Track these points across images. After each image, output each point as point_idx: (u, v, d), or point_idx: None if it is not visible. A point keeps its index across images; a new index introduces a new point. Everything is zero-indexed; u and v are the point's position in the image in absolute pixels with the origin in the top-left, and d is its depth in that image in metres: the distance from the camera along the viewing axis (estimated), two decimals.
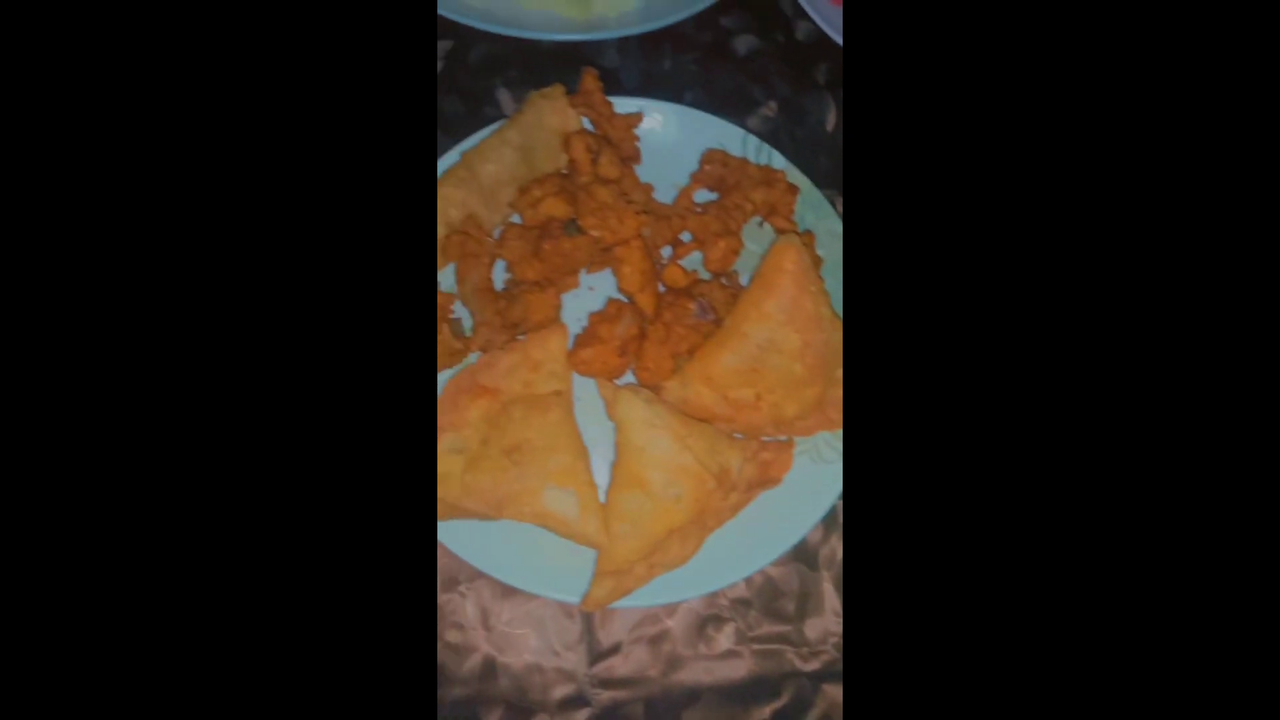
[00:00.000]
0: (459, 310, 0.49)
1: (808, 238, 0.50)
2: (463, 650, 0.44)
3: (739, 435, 0.47)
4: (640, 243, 0.47)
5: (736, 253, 0.51)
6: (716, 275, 0.51)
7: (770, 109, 0.59)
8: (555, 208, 0.48)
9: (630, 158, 0.51)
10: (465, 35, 0.57)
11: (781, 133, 0.58)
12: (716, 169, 0.52)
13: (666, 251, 0.52)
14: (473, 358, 0.47)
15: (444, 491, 0.42)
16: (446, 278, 0.50)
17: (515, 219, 0.50)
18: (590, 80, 0.50)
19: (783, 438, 0.46)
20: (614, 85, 0.58)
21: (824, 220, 0.53)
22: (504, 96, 0.57)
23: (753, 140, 0.54)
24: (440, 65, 0.58)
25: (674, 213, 0.52)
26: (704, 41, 0.60)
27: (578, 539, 0.42)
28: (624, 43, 0.59)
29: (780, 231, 0.52)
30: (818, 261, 0.48)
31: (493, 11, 0.56)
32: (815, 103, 0.59)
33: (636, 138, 0.51)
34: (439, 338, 0.46)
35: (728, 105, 0.58)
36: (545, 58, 0.57)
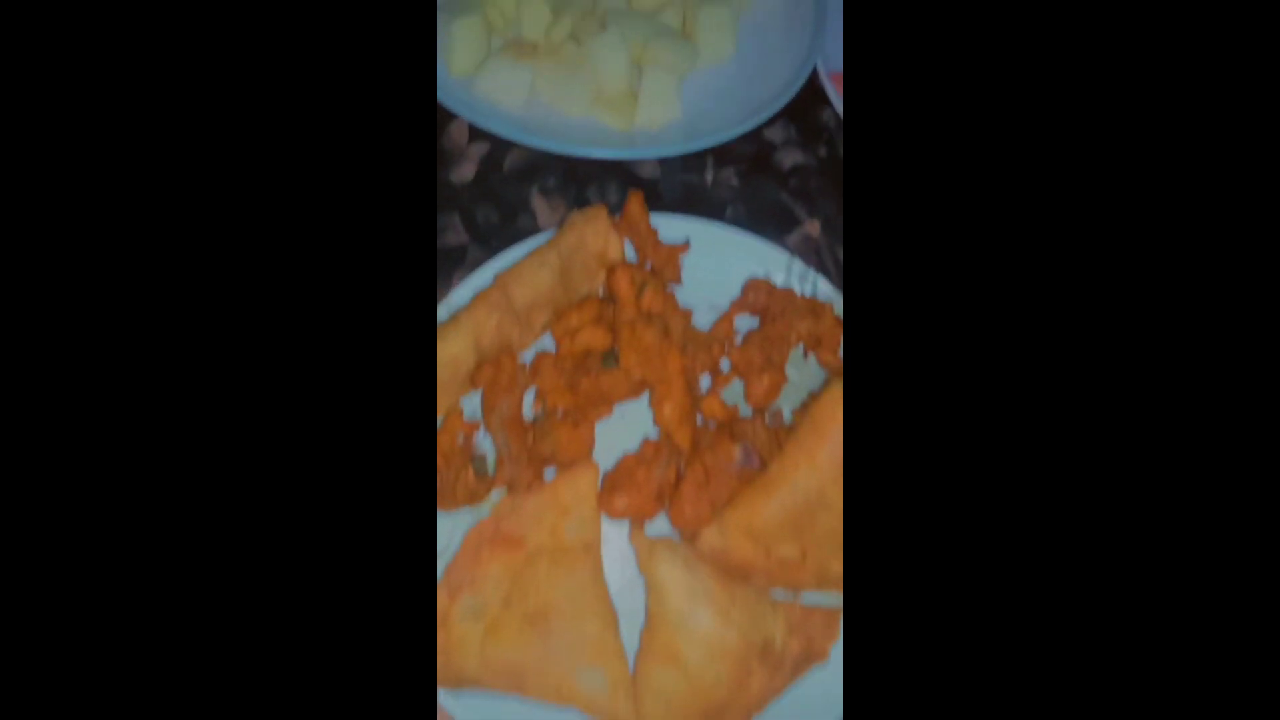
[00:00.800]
0: (482, 442, 0.46)
1: None
2: None
3: (780, 592, 0.44)
4: (682, 381, 0.44)
5: (780, 388, 0.48)
6: (758, 410, 0.48)
7: (813, 227, 0.57)
8: (594, 338, 0.45)
9: (671, 280, 0.49)
10: (500, 140, 0.55)
11: (824, 252, 0.57)
12: (760, 297, 0.50)
13: (702, 378, 0.50)
14: (494, 495, 0.44)
15: (460, 663, 0.38)
16: (471, 402, 0.47)
17: (548, 340, 0.48)
18: (635, 204, 0.48)
19: (827, 596, 0.43)
20: (653, 197, 0.57)
21: None
22: (540, 206, 0.55)
23: (798, 265, 0.52)
24: (474, 170, 0.56)
25: (714, 340, 0.50)
26: (747, 154, 0.59)
27: (604, 718, 0.38)
28: (667, 160, 0.57)
29: (825, 366, 0.50)
30: None
31: (531, 119, 0.55)
32: None
33: (679, 262, 0.49)
34: (461, 476, 0.43)
35: (770, 222, 0.56)
36: (584, 165, 0.56)
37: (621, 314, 0.44)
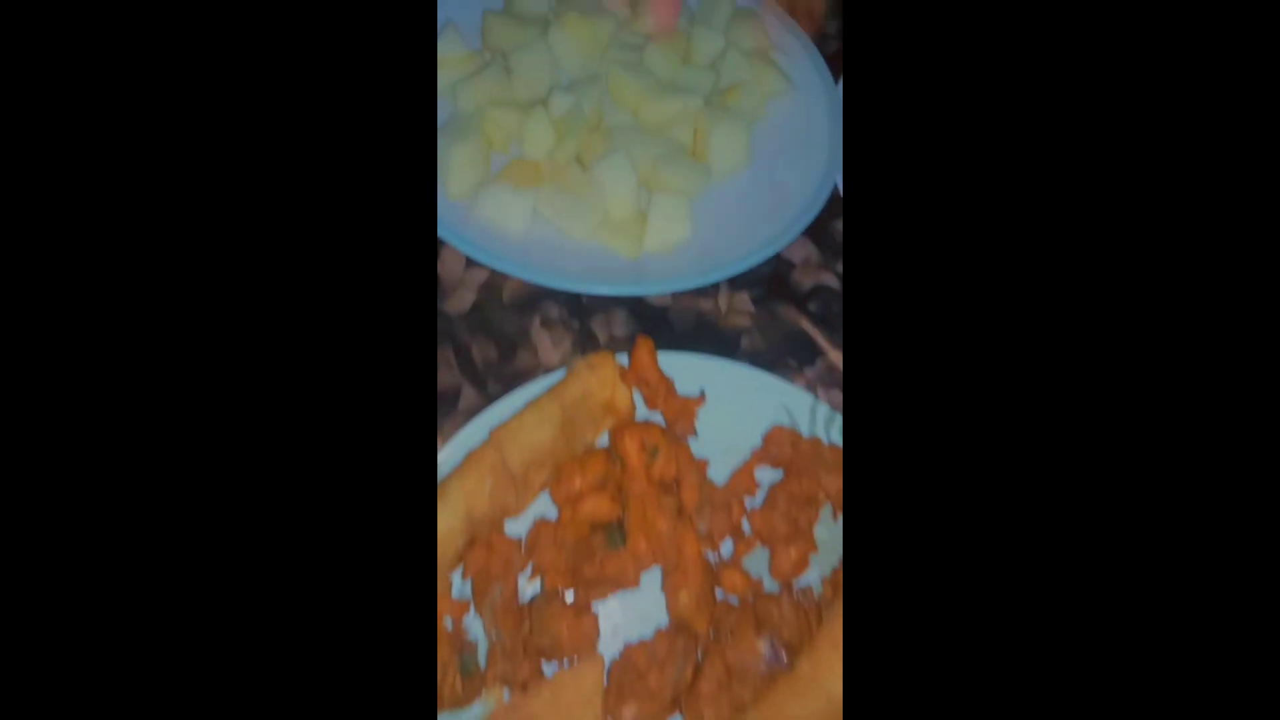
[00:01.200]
0: (472, 626, 0.41)
1: None
2: None
3: None
4: (701, 565, 0.40)
5: (808, 559, 0.43)
6: (785, 585, 0.43)
7: (838, 357, 0.53)
8: (599, 509, 0.41)
9: (685, 434, 0.45)
10: (500, 276, 0.51)
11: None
12: (783, 449, 0.46)
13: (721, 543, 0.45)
14: (479, 705, 0.39)
15: None
16: (459, 578, 0.42)
17: (546, 501, 0.43)
18: (644, 352, 0.44)
19: None
20: (663, 327, 0.52)
21: None
22: (542, 340, 0.51)
23: (823, 409, 0.48)
24: (471, 299, 0.53)
25: (733, 497, 0.45)
26: (763, 275, 0.55)
27: None
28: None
29: None
30: None
31: (533, 246, 0.51)
32: None
33: (695, 415, 0.45)
34: (446, 674, 0.38)
35: (789, 352, 0.52)
36: (578, 300, 0.52)
37: (631, 485, 0.40)
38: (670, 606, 0.39)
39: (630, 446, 0.40)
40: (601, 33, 0.59)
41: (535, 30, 0.58)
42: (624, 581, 0.39)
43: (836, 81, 0.61)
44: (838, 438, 0.47)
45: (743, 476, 0.45)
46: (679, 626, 0.39)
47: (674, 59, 0.58)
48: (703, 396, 0.44)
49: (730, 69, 0.58)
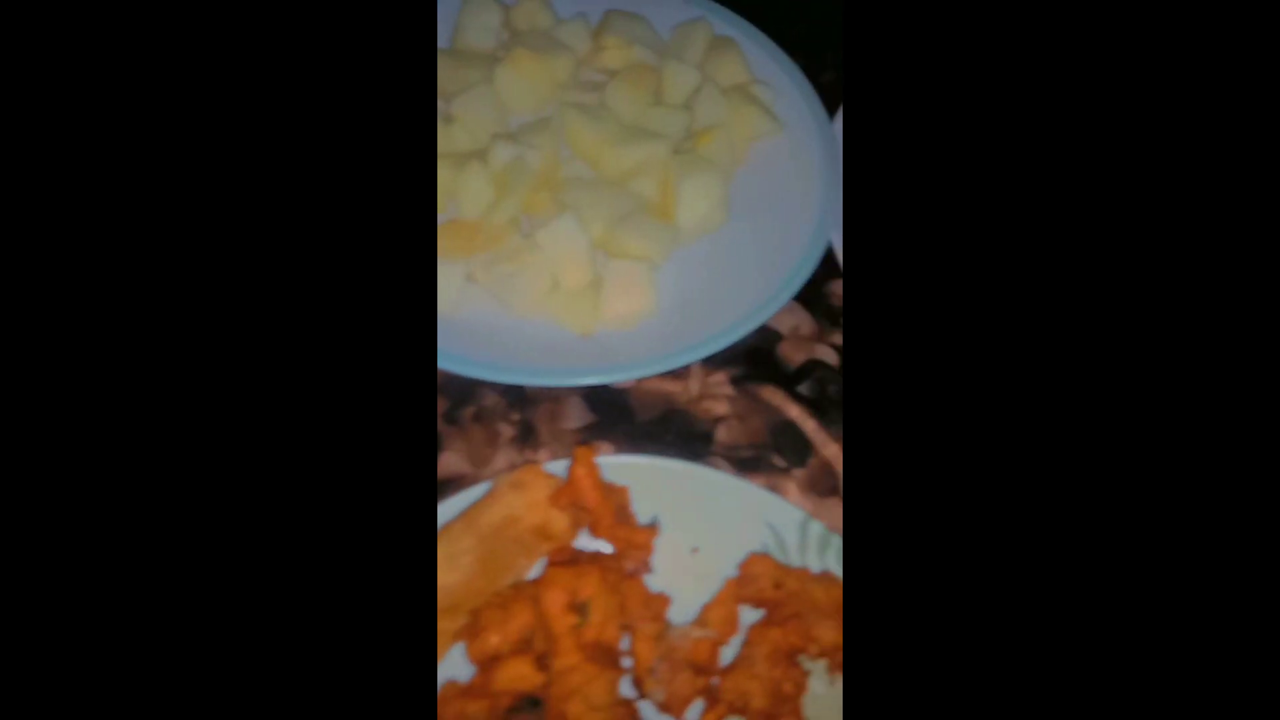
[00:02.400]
0: None
1: None
2: None
3: None
4: None
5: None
6: None
7: (833, 454, 0.44)
8: (518, 676, 0.32)
9: (638, 569, 0.36)
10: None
11: None
12: (764, 585, 0.37)
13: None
14: None
15: None
16: None
17: (459, 659, 0.35)
18: (583, 468, 0.34)
19: None
20: (621, 419, 0.43)
21: None
22: (475, 440, 0.43)
23: (816, 528, 0.39)
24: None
25: (699, 650, 0.36)
26: (743, 349, 0.46)
27: None
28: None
29: None
30: None
31: (464, 325, 0.42)
32: None
33: (650, 543, 0.36)
34: None
35: (773, 447, 0.43)
36: (520, 391, 0.42)
37: (555, 657, 0.31)
38: None
39: (552, 604, 0.30)
40: (558, 71, 0.51)
41: (479, 70, 0.51)
42: None
43: (832, 118, 0.53)
44: (836, 566, 0.37)
45: (714, 619, 0.36)
46: None
47: (642, 99, 0.51)
48: (656, 528, 0.35)
49: (705, 109, 0.50)
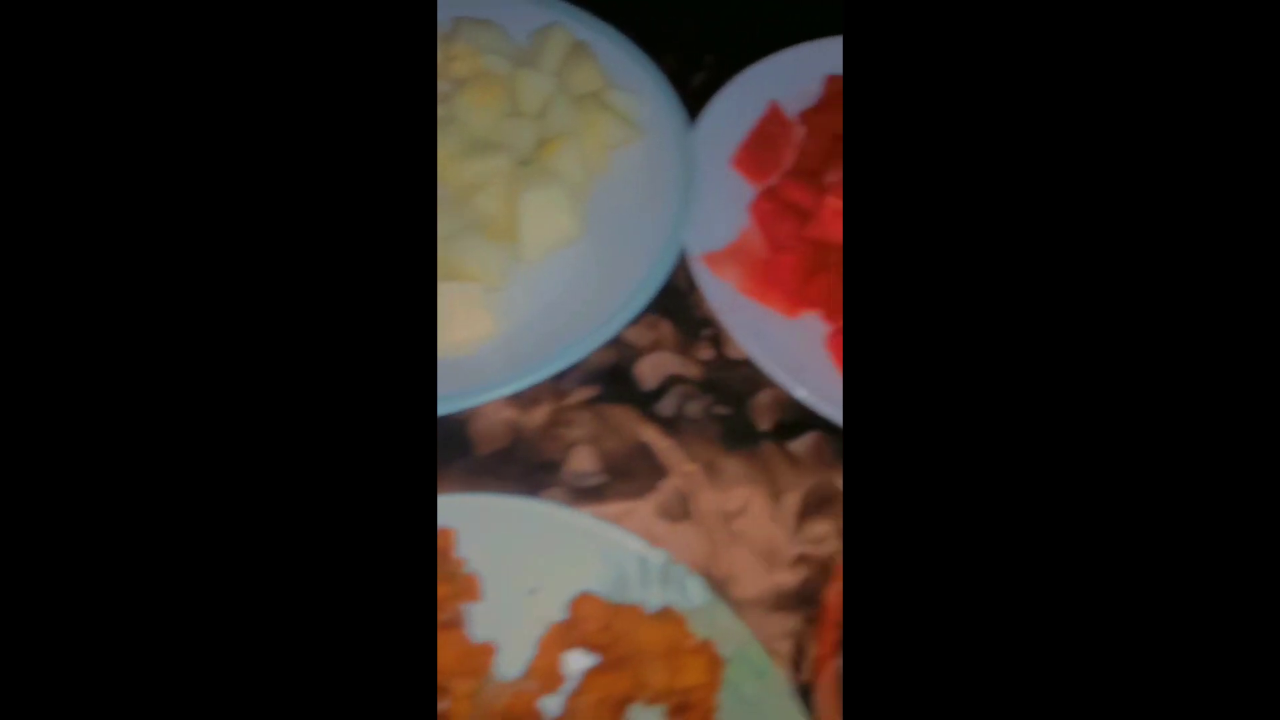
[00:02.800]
0: None
1: None
2: None
3: None
4: None
5: None
6: None
7: (682, 474, 0.42)
8: None
9: (455, 622, 0.33)
10: None
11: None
12: (592, 631, 0.34)
13: None
14: None
15: None
16: None
17: None
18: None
19: None
20: (459, 451, 0.40)
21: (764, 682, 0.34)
22: None
23: (657, 560, 0.36)
24: None
25: (516, 710, 0.33)
26: (600, 368, 0.43)
27: None
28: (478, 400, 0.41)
29: None
30: None
31: None
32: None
33: (477, 591, 0.33)
34: None
35: (626, 474, 0.40)
36: None
37: None
38: None
39: None
40: None
41: None
42: None
43: (697, 121, 0.51)
44: (680, 599, 0.35)
45: (537, 670, 0.33)
46: None
47: (492, 109, 0.49)
48: (475, 579, 0.32)
49: (556, 118, 0.48)
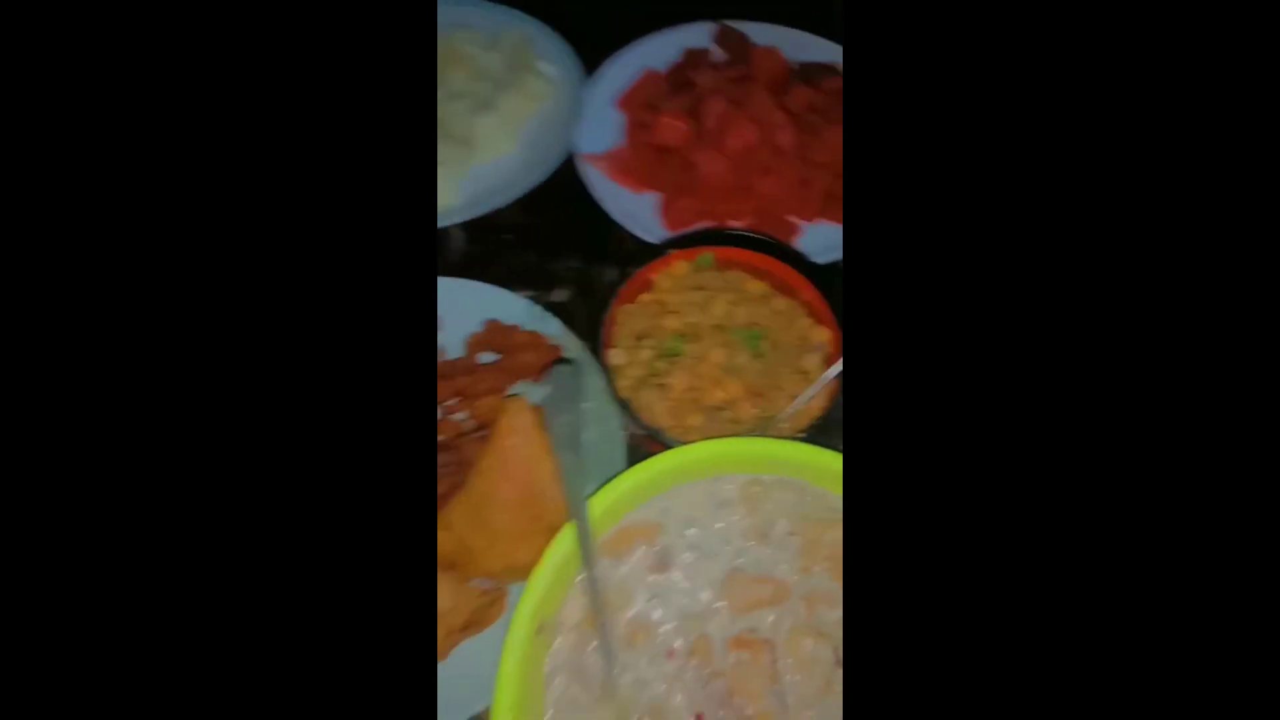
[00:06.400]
0: None
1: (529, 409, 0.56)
2: None
3: (480, 580, 0.50)
4: None
5: (494, 409, 0.57)
6: (479, 428, 0.57)
7: (568, 287, 0.68)
8: None
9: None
10: None
11: (574, 303, 0.67)
12: (492, 334, 0.61)
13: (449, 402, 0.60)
14: None
15: None
16: None
17: None
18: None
19: (492, 581, 0.49)
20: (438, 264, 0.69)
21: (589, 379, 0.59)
22: None
23: (536, 309, 0.63)
24: None
25: (454, 370, 0.60)
26: (520, 224, 0.72)
27: None
28: (449, 232, 0.71)
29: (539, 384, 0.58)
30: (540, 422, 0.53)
31: None
32: (601, 275, 0.69)
33: None
34: None
35: (529, 277, 0.68)
36: None
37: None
38: None
39: None
40: None
41: None
42: None
43: (589, 76, 0.78)
44: (536, 325, 0.61)
45: (467, 358, 0.60)
46: None
47: (463, 73, 0.77)
48: None
49: (503, 77, 0.77)
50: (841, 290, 0.51)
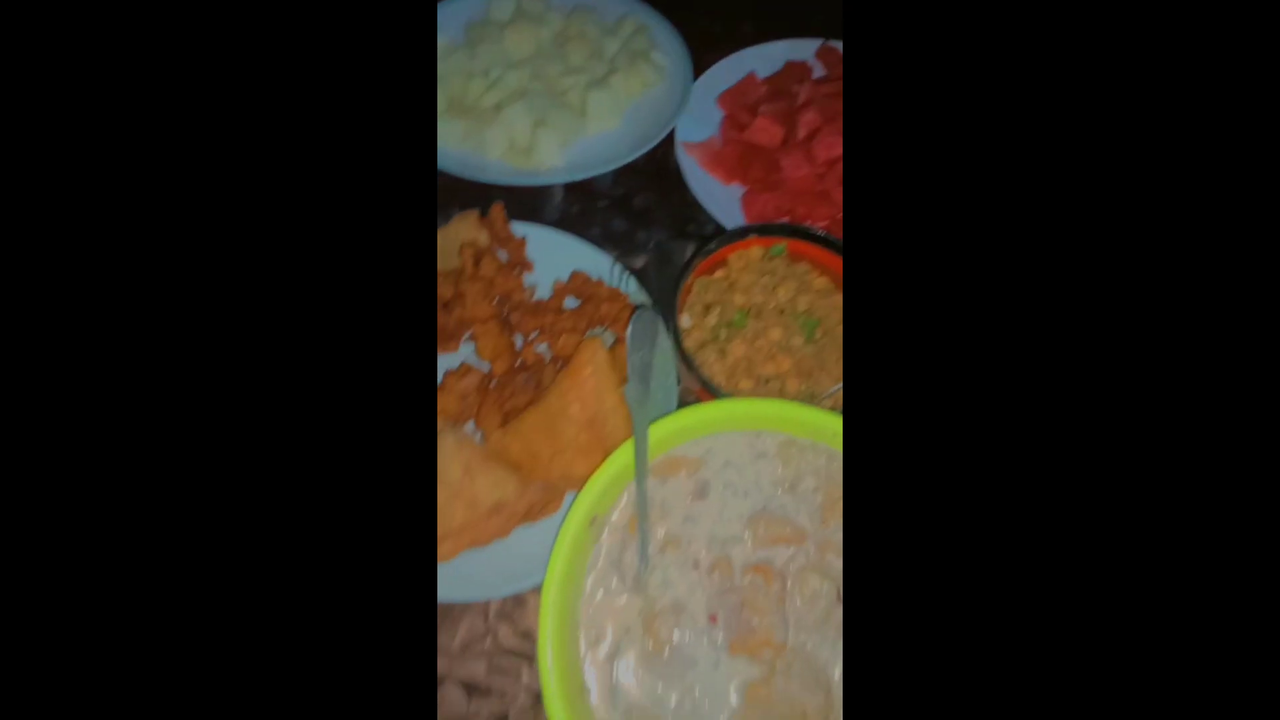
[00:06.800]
0: None
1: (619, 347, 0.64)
2: None
3: (539, 487, 0.58)
4: (494, 325, 0.63)
5: (574, 346, 0.65)
6: (556, 359, 0.65)
7: (649, 250, 0.75)
8: (441, 291, 0.65)
9: (520, 265, 0.68)
10: (439, 173, 0.79)
11: (652, 271, 0.74)
12: (578, 284, 0.68)
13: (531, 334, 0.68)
14: None
15: None
16: None
17: None
18: (496, 210, 0.68)
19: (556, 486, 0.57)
20: (537, 215, 0.78)
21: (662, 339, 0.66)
22: (454, 214, 0.78)
23: (619, 269, 0.70)
24: None
25: (541, 309, 0.68)
26: (613, 194, 0.79)
27: None
28: (551, 189, 0.79)
29: (613, 332, 0.66)
30: (621, 362, 0.61)
31: (464, 159, 0.78)
32: (681, 250, 0.75)
33: (524, 252, 0.68)
34: None
35: (617, 241, 0.76)
36: (491, 191, 0.78)
37: (462, 276, 0.64)
38: (477, 350, 0.62)
39: (466, 253, 0.64)
40: (542, 34, 0.87)
41: (496, 29, 0.87)
42: (450, 332, 0.63)
43: (696, 78, 0.85)
44: (620, 285, 0.68)
45: (553, 300, 0.68)
46: (485, 364, 0.62)
47: (585, 52, 0.85)
48: (524, 239, 0.68)
49: (619, 60, 0.84)
50: None
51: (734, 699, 0.46)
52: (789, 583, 0.49)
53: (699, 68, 0.87)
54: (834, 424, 0.52)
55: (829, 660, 0.47)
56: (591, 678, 0.47)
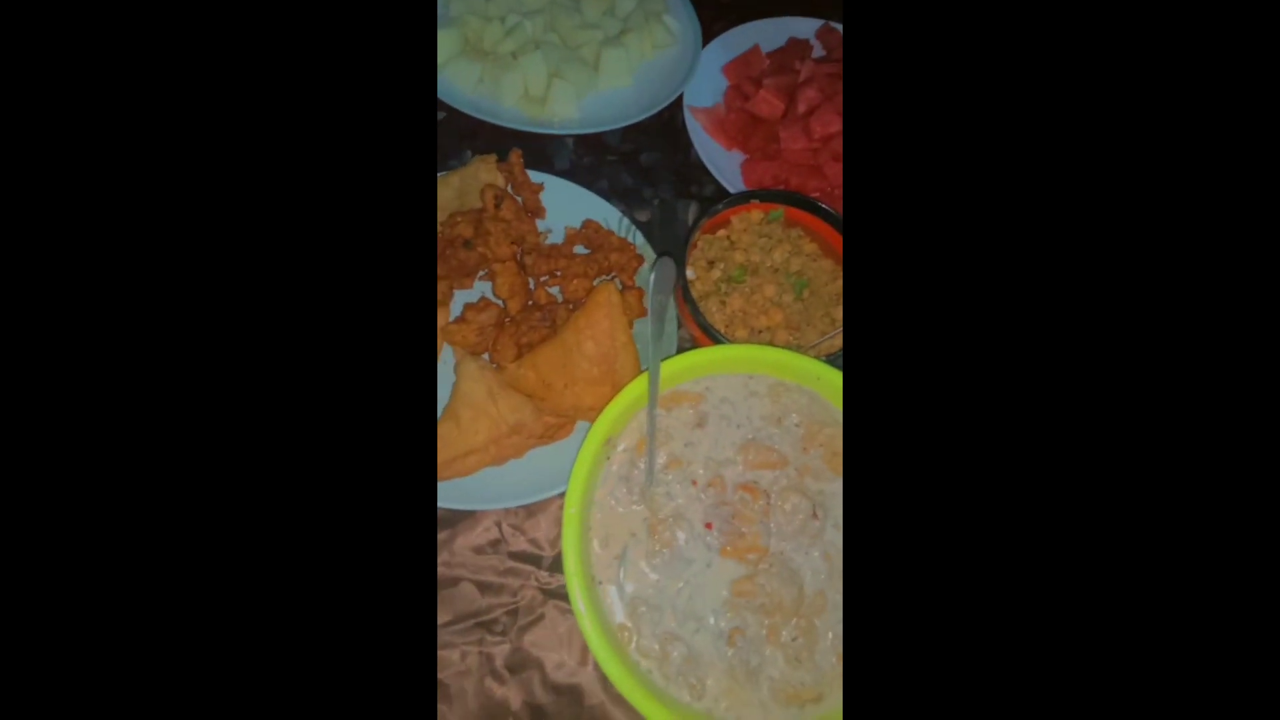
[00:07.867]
0: None
1: (635, 292, 0.69)
2: None
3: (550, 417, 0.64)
4: (513, 265, 0.67)
5: (586, 291, 0.70)
6: (566, 302, 0.70)
7: (653, 206, 0.81)
8: (464, 230, 0.69)
9: (535, 211, 0.73)
10: (454, 113, 0.81)
11: (655, 223, 0.79)
12: (590, 232, 0.73)
13: (543, 278, 0.73)
14: None
15: None
16: None
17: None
18: (515, 156, 0.72)
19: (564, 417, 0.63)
20: (548, 164, 0.81)
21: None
22: (469, 157, 0.80)
23: (626, 221, 0.75)
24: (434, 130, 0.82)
25: (554, 254, 0.72)
26: (621, 150, 0.83)
27: None
28: (563, 139, 0.82)
29: (621, 281, 0.72)
30: (633, 306, 0.67)
31: (479, 102, 0.81)
32: (684, 209, 0.81)
33: (539, 198, 0.73)
34: None
35: (624, 195, 0.81)
36: (504, 136, 0.81)
37: (484, 216, 0.67)
38: (494, 289, 0.67)
39: (487, 195, 0.68)
40: None
41: None
42: (470, 269, 0.67)
43: (707, 42, 0.89)
44: (628, 236, 0.74)
45: (565, 245, 0.73)
46: (500, 300, 0.66)
47: (600, 8, 0.88)
48: (542, 185, 0.72)
49: (633, 20, 0.87)
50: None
51: (724, 592, 0.54)
52: (773, 499, 0.57)
53: (706, 36, 0.91)
54: (815, 368, 0.59)
55: (803, 564, 0.56)
56: (603, 571, 0.54)
